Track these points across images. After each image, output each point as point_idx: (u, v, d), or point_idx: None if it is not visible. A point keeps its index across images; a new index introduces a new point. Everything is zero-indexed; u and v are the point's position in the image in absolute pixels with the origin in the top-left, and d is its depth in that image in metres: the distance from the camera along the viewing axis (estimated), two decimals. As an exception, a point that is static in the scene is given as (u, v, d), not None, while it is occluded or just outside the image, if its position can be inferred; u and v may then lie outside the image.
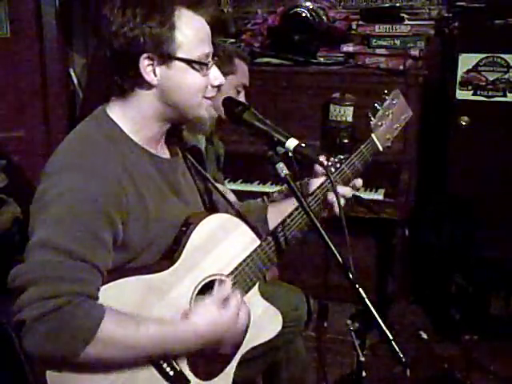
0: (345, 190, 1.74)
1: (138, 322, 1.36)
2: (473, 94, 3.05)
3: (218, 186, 1.91)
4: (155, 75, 1.45)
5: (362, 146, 1.79)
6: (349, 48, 3.29)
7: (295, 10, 3.27)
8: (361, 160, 1.78)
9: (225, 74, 2.21)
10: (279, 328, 1.69)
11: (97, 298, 1.35)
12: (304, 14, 3.26)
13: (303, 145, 1.49)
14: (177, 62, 1.45)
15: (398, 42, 3.20)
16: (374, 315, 1.31)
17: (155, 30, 1.40)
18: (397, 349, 1.28)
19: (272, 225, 1.77)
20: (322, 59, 3.34)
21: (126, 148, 1.47)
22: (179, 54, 1.44)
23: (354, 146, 1.81)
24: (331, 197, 1.70)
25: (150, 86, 1.46)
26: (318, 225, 1.40)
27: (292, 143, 1.49)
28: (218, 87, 1.55)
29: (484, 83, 3.03)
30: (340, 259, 1.35)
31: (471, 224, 3.06)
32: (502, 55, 2.99)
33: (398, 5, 3.45)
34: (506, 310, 3.12)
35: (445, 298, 3.18)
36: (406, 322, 3.18)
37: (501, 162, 3.03)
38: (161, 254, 1.51)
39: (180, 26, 1.43)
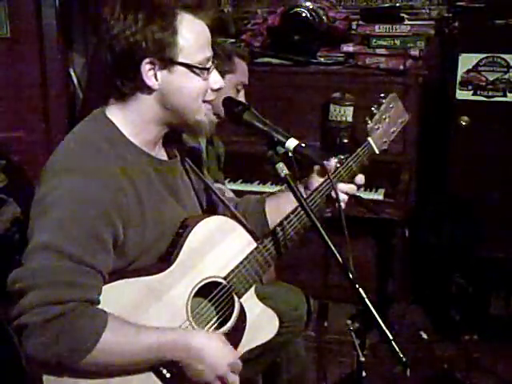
0: (348, 187, 1.75)
1: (138, 330, 1.37)
2: (473, 94, 3.05)
3: (218, 185, 1.91)
4: (156, 79, 1.44)
5: (359, 149, 1.79)
6: (349, 48, 3.29)
7: (295, 9, 3.27)
8: (357, 163, 1.78)
9: (224, 73, 2.23)
10: (275, 330, 1.69)
11: (98, 303, 1.35)
12: (304, 14, 3.26)
13: (303, 145, 1.49)
14: (178, 67, 1.44)
15: (398, 42, 3.20)
16: (374, 315, 1.31)
17: (157, 35, 1.40)
18: (397, 349, 1.28)
19: (271, 218, 1.77)
20: (322, 59, 3.33)
21: (125, 150, 1.47)
22: (181, 59, 1.44)
23: (353, 148, 1.81)
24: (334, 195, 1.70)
25: (150, 90, 1.46)
26: (319, 225, 1.40)
27: (292, 143, 1.49)
28: (218, 90, 1.55)
29: (484, 83, 3.03)
30: (340, 259, 1.35)
31: (471, 224, 3.06)
32: (502, 55, 2.99)
33: (397, 5, 3.45)
34: (506, 310, 3.12)
35: (445, 298, 3.18)
36: (405, 322, 3.19)
37: (501, 162, 3.03)
38: (158, 256, 1.51)
39: (182, 30, 1.43)
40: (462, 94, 3.06)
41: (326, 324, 3.01)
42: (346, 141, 3.07)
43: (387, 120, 1.85)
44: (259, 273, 1.62)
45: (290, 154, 1.50)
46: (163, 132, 1.55)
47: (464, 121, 3.05)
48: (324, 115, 3.23)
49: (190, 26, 1.44)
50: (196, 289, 1.52)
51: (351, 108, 3.09)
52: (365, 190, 3.01)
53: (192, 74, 1.46)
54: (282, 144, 1.50)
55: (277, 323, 1.69)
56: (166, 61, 1.43)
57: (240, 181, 3.17)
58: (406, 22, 3.23)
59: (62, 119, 3.44)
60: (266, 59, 3.38)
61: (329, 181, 1.68)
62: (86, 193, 1.35)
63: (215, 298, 1.57)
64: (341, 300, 3.07)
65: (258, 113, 1.58)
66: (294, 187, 1.47)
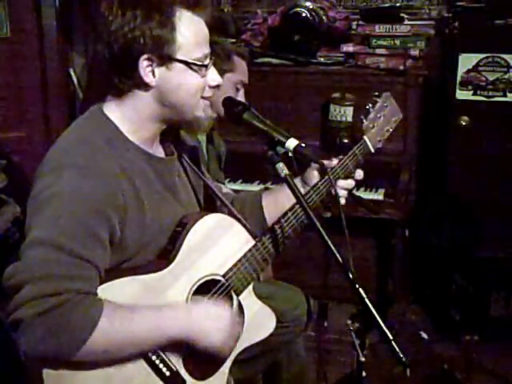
0: (346, 183, 1.76)
1: (133, 311, 1.37)
2: (473, 94, 3.05)
3: (215, 183, 1.91)
4: (154, 76, 1.44)
5: (355, 148, 1.81)
6: (349, 48, 3.29)
7: (295, 9, 3.27)
8: (353, 161, 1.79)
9: (223, 72, 2.23)
10: (273, 327, 1.69)
11: (95, 295, 1.35)
12: (304, 14, 3.26)
13: (303, 145, 1.49)
14: (176, 64, 1.44)
15: (397, 42, 3.20)
16: (374, 315, 1.31)
17: (156, 31, 1.40)
18: (397, 349, 1.28)
19: (268, 213, 1.77)
20: (322, 59, 3.34)
21: (123, 147, 1.46)
22: (179, 56, 1.44)
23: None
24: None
25: (148, 87, 1.45)
26: (318, 225, 1.40)
27: (292, 143, 1.49)
28: (216, 88, 1.55)
29: (484, 83, 3.03)
30: (340, 259, 1.35)
31: (471, 224, 3.06)
32: (502, 55, 2.99)
33: (398, 5, 3.45)
34: (506, 311, 3.12)
35: (445, 298, 3.18)
36: (406, 322, 3.19)
37: (501, 162, 3.03)
38: (156, 253, 1.51)
39: (180, 27, 1.42)
40: (462, 94, 3.06)
41: (325, 324, 3.01)
42: (346, 141, 3.07)
43: (382, 119, 1.88)
44: (257, 270, 1.62)
45: (290, 154, 1.50)
46: (161, 129, 1.55)
47: (464, 121, 3.05)
48: (324, 115, 3.23)
49: (189, 22, 1.44)
50: (195, 287, 1.52)
51: (351, 108, 3.09)
52: (365, 190, 3.01)
53: (190, 71, 1.46)
54: (282, 144, 1.50)
55: (274, 321, 1.70)
56: (164, 57, 1.43)
57: (240, 181, 3.17)
58: (406, 21, 3.23)
59: (62, 119, 3.44)
60: (266, 59, 3.38)
61: (327, 179, 1.69)
62: (83, 189, 1.35)
63: (214, 295, 1.57)
64: (341, 300, 3.08)
65: (258, 113, 1.58)
66: (294, 187, 1.47)
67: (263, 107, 3.00)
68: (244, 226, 1.64)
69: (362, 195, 2.89)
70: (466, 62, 3.03)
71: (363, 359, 1.48)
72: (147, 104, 1.48)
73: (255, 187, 3.11)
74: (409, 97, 3.09)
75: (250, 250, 1.61)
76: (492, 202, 3.02)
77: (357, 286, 1.33)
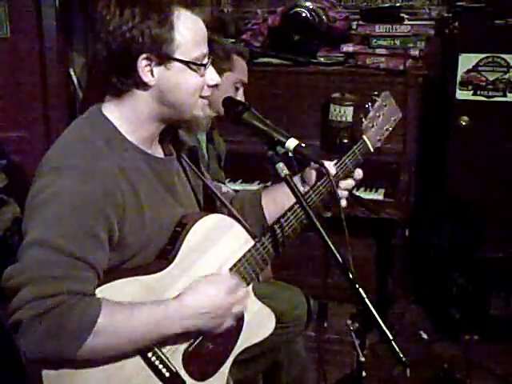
0: (346, 183, 1.76)
1: (131, 307, 1.36)
2: (473, 94, 3.05)
3: (214, 182, 1.91)
4: (153, 76, 1.44)
5: (355, 147, 1.81)
6: (349, 48, 3.29)
7: (295, 9, 3.28)
8: (353, 160, 1.79)
9: (223, 71, 2.22)
10: (272, 327, 1.69)
11: (93, 296, 1.35)
12: (304, 14, 3.26)
13: (303, 145, 1.49)
14: (175, 63, 1.44)
15: (397, 42, 3.20)
16: (374, 315, 1.31)
17: (154, 31, 1.39)
18: (397, 349, 1.28)
19: (267, 211, 1.77)
20: (322, 59, 3.34)
21: (121, 147, 1.46)
22: (177, 55, 1.43)
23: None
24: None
25: (146, 87, 1.45)
26: (318, 225, 1.40)
27: (292, 143, 1.49)
28: (214, 87, 1.55)
29: (484, 83, 3.03)
30: (340, 259, 1.35)
31: (471, 224, 3.06)
32: (501, 55, 2.99)
33: (398, 5, 3.45)
34: (506, 310, 3.12)
35: (445, 298, 3.18)
36: (405, 322, 3.19)
37: (501, 162, 3.03)
38: (156, 254, 1.51)
39: (178, 26, 1.42)
40: (462, 94, 3.06)
41: (325, 324, 3.01)
42: (346, 141, 3.07)
43: (381, 118, 1.88)
44: (257, 271, 1.62)
45: (290, 154, 1.50)
46: (160, 129, 1.55)
47: (464, 121, 3.05)
48: (324, 115, 3.23)
49: (187, 21, 1.44)
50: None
51: (351, 108, 3.09)
52: (365, 190, 3.01)
53: (189, 71, 1.46)
54: (282, 144, 1.50)
55: (274, 321, 1.70)
56: (163, 57, 1.42)
57: (240, 181, 3.17)
58: (406, 22, 3.23)
59: (62, 119, 3.44)
60: (266, 59, 3.38)
61: (327, 180, 1.68)
62: (81, 190, 1.35)
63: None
64: (341, 300, 3.08)
65: (258, 113, 1.58)
66: (294, 187, 1.47)
67: (263, 107, 2.99)
68: (243, 226, 1.64)
69: (362, 195, 2.89)
70: (466, 62, 3.03)
71: (363, 359, 1.48)
72: (146, 103, 1.48)
73: (255, 187, 3.11)
74: (409, 97, 3.09)
75: (249, 251, 1.61)
76: (492, 202, 3.02)
77: (357, 285, 1.32)
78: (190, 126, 1.60)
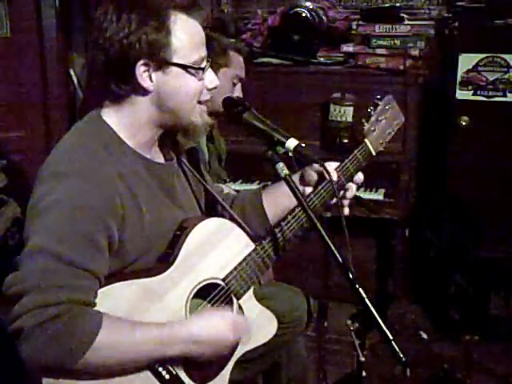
0: (348, 186, 1.76)
1: (134, 326, 1.36)
2: (473, 94, 3.05)
3: (220, 186, 1.91)
4: (151, 81, 1.44)
5: (356, 151, 1.80)
6: (349, 48, 3.29)
7: (295, 9, 3.28)
8: (354, 164, 1.78)
9: (219, 67, 2.22)
10: (274, 331, 1.69)
11: (94, 305, 1.35)
12: (304, 14, 3.26)
13: (303, 145, 1.50)
14: (173, 68, 1.44)
15: (398, 42, 3.20)
16: (374, 315, 1.31)
17: (151, 36, 1.39)
18: (397, 349, 1.28)
19: (268, 211, 1.77)
20: (322, 59, 3.34)
21: (121, 153, 1.46)
22: (175, 60, 1.44)
23: (353, 148, 1.81)
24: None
25: (145, 92, 1.45)
26: (319, 225, 1.40)
27: (292, 143, 1.49)
28: (213, 90, 1.55)
29: (484, 83, 3.03)
30: (340, 259, 1.35)
31: (471, 224, 3.06)
32: (501, 55, 2.99)
33: (397, 5, 3.45)
34: (506, 310, 3.12)
35: (445, 298, 3.18)
36: (406, 322, 3.19)
37: (501, 162, 3.03)
38: (157, 257, 1.51)
39: (175, 30, 1.42)
40: (462, 94, 3.06)
41: (325, 324, 3.01)
42: (346, 141, 3.07)
43: (383, 122, 1.86)
44: (258, 274, 1.62)
45: (290, 154, 1.50)
46: (158, 134, 1.55)
47: (464, 121, 3.05)
48: (324, 115, 3.23)
49: (184, 26, 1.44)
50: (195, 290, 1.52)
51: (351, 108, 3.09)
52: (365, 190, 3.01)
53: (187, 75, 1.46)
54: (282, 144, 1.50)
55: (275, 324, 1.69)
56: (161, 62, 1.42)
57: (240, 181, 3.17)
58: (406, 21, 3.23)
59: (62, 119, 3.44)
60: (266, 59, 3.38)
61: (328, 182, 1.68)
62: (81, 196, 1.35)
63: (214, 299, 1.56)
64: (341, 300, 3.07)
65: (258, 113, 1.58)
66: (294, 187, 1.47)
67: (263, 107, 3.00)
68: (244, 229, 1.64)
69: (361, 195, 2.89)
70: (466, 61, 3.03)
71: (363, 359, 1.48)
72: (145, 109, 1.48)
73: (255, 187, 3.10)
74: (409, 97, 3.08)
75: (249, 254, 1.61)
76: (492, 202, 3.02)
77: (357, 286, 1.33)
78: (187, 132, 1.59)
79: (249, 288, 1.62)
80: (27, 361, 1.30)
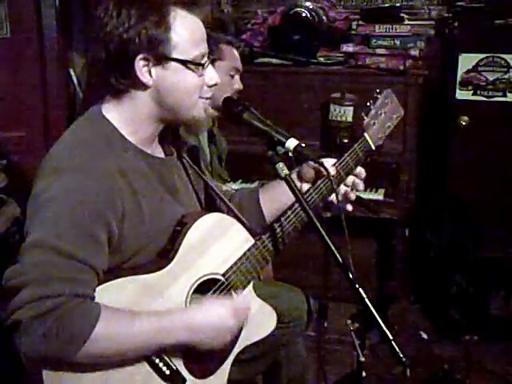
0: (349, 180, 1.76)
1: (133, 316, 1.36)
2: (473, 94, 3.05)
3: (219, 184, 1.91)
4: (151, 76, 1.44)
5: (356, 145, 1.80)
6: (349, 48, 3.29)
7: (295, 10, 3.28)
8: (354, 159, 1.79)
9: (213, 61, 2.22)
10: (273, 326, 1.70)
11: (93, 298, 1.35)
12: (304, 14, 3.26)
13: (303, 145, 1.50)
14: (172, 63, 1.44)
15: (398, 42, 3.20)
16: (374, 315, 1.31)
17: (151, 31, 1.40)
18: (397, 349, 1.28)
19: (265, 208, 1.78)
20: (322, 59, 3.34)
21: (121, 148, 1.47)
22: (175, 55, 1.44)
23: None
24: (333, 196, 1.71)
25: (145, 87, 1.46)
26: (318, 225, 1.40)
27: (292, 143, 1.49)
28: (214, 86, 1.55)
29: (484, 83, 3.03)
30: (340, 259, 1.35)
31: (471, 224, 3.06)
32: (502, 55, 2.99)
33: (398, 5, 3.45)
34: (506, 310, 3.12)
35: (445, 298, 3.18)
36: (406, 322, 3.19)
37: (501, 162, 3.03)
38: (156, 253, 1.51)
39: (175, 26, 1.43)
40: (462, 94, 3.06)
41: (325, 324, 3.01)
42: (346, 141, 3.07)
43: (383, 116, 1.87)
44: (257, 269, 1.62)
45: (290, 154, 1.50)
46: (159, 129, 1.55)
47: (464, 121, 3.05)
48: (324, 115, 3.23)
49: (184, 21, 1.44)
50: (195, 286, 1.52)
51: (351, 108, 3.09)
52: (365, 190, 3.00)
53: (186, 70, 1.46)
54: (282, 144, 1.50)
55: (275, 319, 1.70)
56: (160, 57, 1.43)
57: (240, 181, 3.17)
58: (406, 21, 3.23)
59: (62, 119, 3.44)
60: (266, 59, 3.38)
61: (327, 179, 1.69)
62: (81, 191, 1.35)
63: (214, 294, 1.57)
64: (341, 300, 3.07)
65: (258, 113, 1.58)
66: (294, 187, 1.47)
67: (263, 107, 3.00)
68: (244, 224, 1.64)
69: (361, 195, 2.88)
70: (466, 61, 3.03)
71: (363, 359, 1.48)
72: (145, 104, 1.48)
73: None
74: (409, 97, 3.08)
75: (249, 249, 1.61)
76: (492, 201, 3.02)
77: (357, 285, 1.33)
78: (189, 127, 1.60)
79: (248, 283, 1.62)
80: (26, 354, 1.30)
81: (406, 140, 3.12)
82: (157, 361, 1.44)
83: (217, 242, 1.57)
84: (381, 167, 2.90)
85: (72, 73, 3.67)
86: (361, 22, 3.30)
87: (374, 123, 1.84)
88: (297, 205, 1.65)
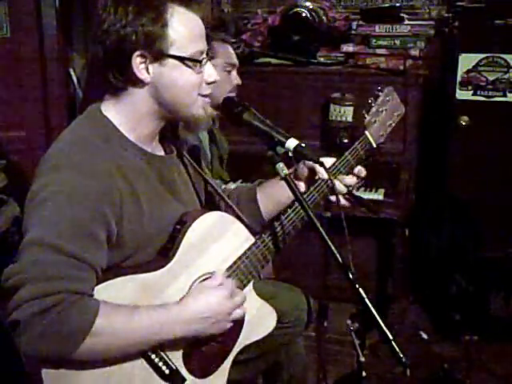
0: (347, 178, 1.76)
1: (132, 311, 1.36)
2: (473, 94, 3.05)
3: (218, 182, 1.91)
4: (148, 73, 1.44)
5: (357, 143, 1.81)
6: (349, 48, 3.29)
7: (295, 10, 3.28)
8: (355, 157, 1.79)
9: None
10: (273, 325, 1.70)
11: (91, 296, 1.35)
12: (304, 14, 3.26)
13: (303, 145, 1.50)
14: (170, 60, 1.44)
15: (398, 42, 3.20)
16: (374, 315, 1.31)
17: (147, 28, 1.40)
18: (397, 349, 1.28)
19: (263, 206, 1.78)
20: (322, 59, 3.34)
21: (121, 146, 1.47)
22: (172, 51, 1.44)
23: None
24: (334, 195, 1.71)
25: (143, 84, 1.46)
26: (318, 224, 1.40)
27: (292, 143, 1.49)
28: (212, 83, 1.55)
29: (484, 83, 3.03)
30: (340, 259, 1.35)
31: (471, 224, 3.06)
32: (502, 55, 2.99)
33: (397, 5, 3.45)
34: (506, 310, 3.12)
35: (445, 298, 3.18)
36: (406, 322, 3.19)
37: (501, 162, 3.03)
38: (156, 252, 1.51)
39: (173, 23, 1.43)
40: (462, 94, 3.06)
41: (325, 324, 3.01)
42: (346, 141, 3.07)
43: (384, 113, 1.87)
44: (257, 268, 1.62)
45: (290, 154, 1.50)
46: (159, 126, 1.55)
47: (464, 121, 3.05)
48: (324, 115, 3.23)
49: (182, 18, 1.44)
50: (195, 284, 1.52)
51: (351, 108, 3.09)
52: (365, 190, 3.01)
53: (184, 67, 1.46)
54: (282, 144, 1.50)
55: (275, 319, 1.70)
56: (157, 53, 1.43)
57: (240, 181, 3.17)
58: (406, 21, 3.23)
59: (62, 119, 3.44)
60: (266, 59, 3.38)
61: (327, 179, 1.69)
62: (79, 189, 1.35)
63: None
64: (341, 300, 3.07)
65: (258, 113, 1.58)
66: (294, 187, 1.47)
67: (263, 107, 3.00)
68: (244, 223, 1.64)
69: (362, 195, 2.89)
70: (466, 61, 3.04)
71: (363, 359, 1.48)
72: (143, 101, 1.48)
73: (254, 186, 3.10)
74: (409, 97, 3.08)
75: (249, 248, 1.61)
76: (492, 201, 3.02)
77: (357, 285, 1.33)
78: (189, 125, 1.59)
79: (249, 282, 1.62)
80: (26, 352, 1.30)
81: (406, 140, 3.12)
82: (156, 360, 1.44)
83: (217, 240, 1.57)
84: (381, 167, 2.90)
85: (72, 73, 3.67)
86: (361, 22, 3.30)
87: (375, 121, 1.84)
88: (297, 204, 1.65)
